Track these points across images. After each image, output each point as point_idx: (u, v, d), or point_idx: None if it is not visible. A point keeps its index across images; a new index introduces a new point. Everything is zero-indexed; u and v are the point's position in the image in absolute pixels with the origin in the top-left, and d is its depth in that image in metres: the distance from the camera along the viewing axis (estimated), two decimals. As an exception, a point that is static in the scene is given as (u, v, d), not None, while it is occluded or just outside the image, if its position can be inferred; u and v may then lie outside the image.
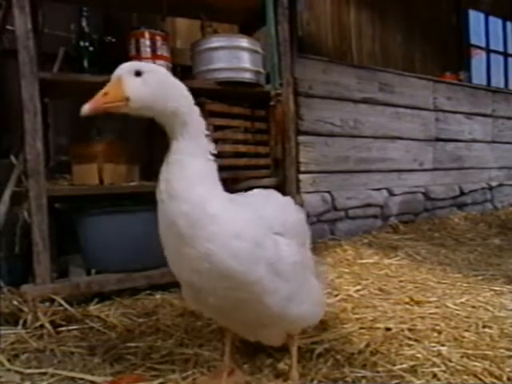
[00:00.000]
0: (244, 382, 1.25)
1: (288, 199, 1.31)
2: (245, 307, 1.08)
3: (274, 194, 1.29)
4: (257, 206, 1.13)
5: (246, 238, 1.00)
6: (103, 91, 1.00)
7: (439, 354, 1.36)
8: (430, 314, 1.71)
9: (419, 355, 1.35)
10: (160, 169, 1.05)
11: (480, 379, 1.21)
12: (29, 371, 1.33)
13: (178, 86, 1.06)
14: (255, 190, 1.29)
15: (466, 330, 1.54)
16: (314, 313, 1.25)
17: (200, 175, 1.01)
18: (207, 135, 1.07)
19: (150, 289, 2.08)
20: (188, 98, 1.06)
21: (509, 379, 1.20)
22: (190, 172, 1.00)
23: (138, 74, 1.00)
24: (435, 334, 1.52)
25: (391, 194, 4.00)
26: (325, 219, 3.54)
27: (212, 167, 1.05)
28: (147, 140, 2.66)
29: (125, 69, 1.01)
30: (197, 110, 1.07)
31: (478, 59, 5.59)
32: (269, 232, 1.08)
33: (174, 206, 0.98)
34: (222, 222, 0.98)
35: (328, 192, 3.57)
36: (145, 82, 0.99)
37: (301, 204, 3.30)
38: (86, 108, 0.98)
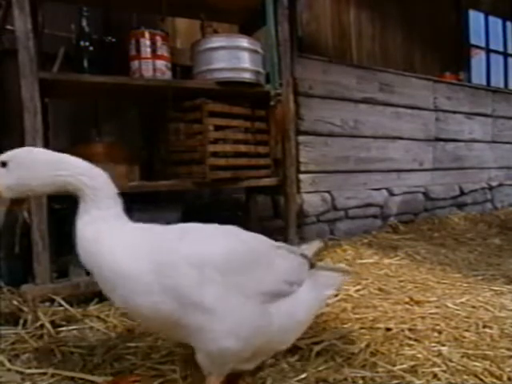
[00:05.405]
0: (244, 383, 1.25)
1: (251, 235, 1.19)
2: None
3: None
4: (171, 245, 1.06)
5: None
6: None
7: (439, 354, 1.36)
8: (430, 313, 1.71)
9: (419, 355, 1.35)
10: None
11: (480, 379, 1.21)
12: (29, 371, 1.32)
13: (50, 162, 1.00)
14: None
15: (467, 330, 1.54)
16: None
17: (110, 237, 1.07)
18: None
19: (150, 289, 2.08)
20: (69, 167, 1.01)
21: (509, 379, 1.20)
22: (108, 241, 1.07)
23: (4, 164, 0.99)
24: (435, 334, 1.52)
25: (391, 193, 4.00)
26: (324, 219, 3.54)
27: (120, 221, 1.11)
28: (147, 140, 2.66)
29: None
30: (91, 174, 1.03)
31: (478, 59, 5.59)
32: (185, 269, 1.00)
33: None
34: (133, 282, 1.00)
35: (328, 192, 3.57)
36: (8, 171, 0.98)
37: (301, 204, 3.30)
38: None
